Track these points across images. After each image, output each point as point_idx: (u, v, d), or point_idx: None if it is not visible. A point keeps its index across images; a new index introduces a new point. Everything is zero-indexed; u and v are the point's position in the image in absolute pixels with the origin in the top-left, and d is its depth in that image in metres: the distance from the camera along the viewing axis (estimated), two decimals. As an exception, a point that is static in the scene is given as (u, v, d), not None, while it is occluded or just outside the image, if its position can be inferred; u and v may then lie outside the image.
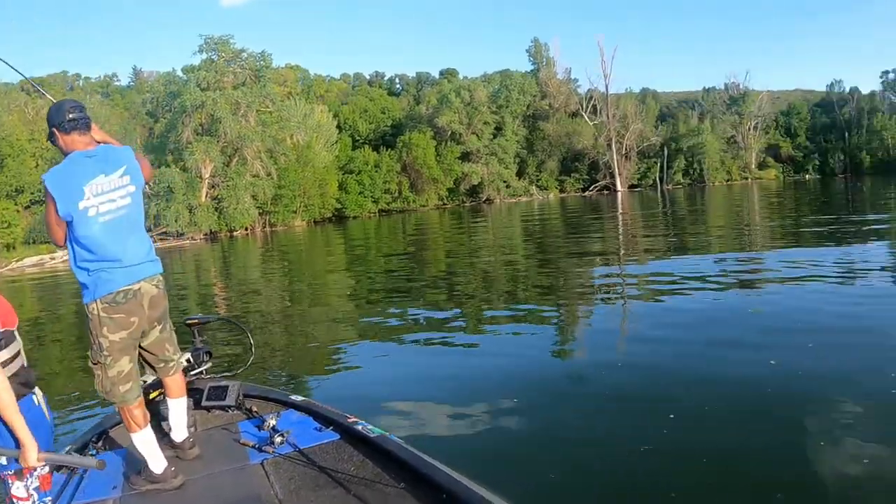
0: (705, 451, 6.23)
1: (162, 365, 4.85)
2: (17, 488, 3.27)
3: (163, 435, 5.13)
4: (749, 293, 13.95)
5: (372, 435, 4.62)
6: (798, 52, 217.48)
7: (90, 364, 4.56)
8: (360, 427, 4.79)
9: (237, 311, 17.08)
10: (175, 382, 4.95)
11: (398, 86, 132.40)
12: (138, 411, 4.57)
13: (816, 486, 5.47)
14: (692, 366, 8.96)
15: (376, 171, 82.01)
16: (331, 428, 4.96)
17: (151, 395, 5.55)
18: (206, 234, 65.84)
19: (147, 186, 4.94)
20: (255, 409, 5.59)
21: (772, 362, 8.50)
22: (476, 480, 3.81)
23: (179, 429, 4.97)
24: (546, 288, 16.78)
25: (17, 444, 3.11)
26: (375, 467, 4.37)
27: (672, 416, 7.03)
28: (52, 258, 51.96)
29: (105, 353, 4.43)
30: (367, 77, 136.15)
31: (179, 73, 74.96)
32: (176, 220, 61.29)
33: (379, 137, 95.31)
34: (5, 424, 3.09)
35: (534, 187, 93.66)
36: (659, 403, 7.49)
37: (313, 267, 29.32)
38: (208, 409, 5.66)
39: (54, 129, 4.41)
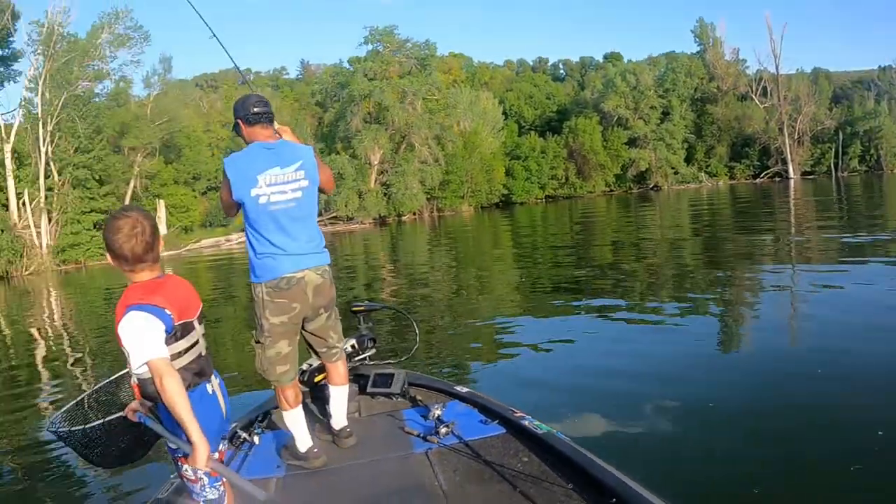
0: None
1: (325, 350, 5.04)
2: (186, 470, 3.36)
3: (324, 418, 5.33)
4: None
5: (539, 431, 4.51)
6: None
7: (253, 343, 4.83)
8: (526, 422, 4.67)
9: (403, 296, 17.42)
10: (337, 370, 5.10)
11: (562, 71, 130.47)
12: (291, 392, 4.79)
13: None
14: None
15: (543, 158, 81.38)
16: (496, 421, 4.87)
17: (317, 379, 5.78)
18: (375, 219, 67.45)
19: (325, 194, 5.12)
20: (419, 398, 5.61)
21: None
22: (648, 487, 3.63)
23: (338, 417, 5.10)
24: (715, 280, 15.66)
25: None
26: (542, 465, 4.26)
27: (881, 432, 6.08)
28: (228, 240, 55.01)
29: (266, 334, 4.69)
30: (531, 63, 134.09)
31: (346, 64, 77.03)
32: (346, 206, 62.93)
33: (545, 123, 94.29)
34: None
35: (702, 174, 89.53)
36: (861, 415, 6.54)
37: (480, 253, 29.41)
38: (373, 395, 5.77)
39: (239, 121, 4.71)
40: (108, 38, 57.69)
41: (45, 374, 13.44)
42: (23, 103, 55.41)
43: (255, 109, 4.65)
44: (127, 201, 60.04)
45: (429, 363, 9.90)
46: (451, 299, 16.51)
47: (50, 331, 20.58)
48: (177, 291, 3.33)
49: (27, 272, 50.75)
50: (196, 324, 3.38)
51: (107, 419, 3.48)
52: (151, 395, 3.22)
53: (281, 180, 4.57)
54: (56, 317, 25.14)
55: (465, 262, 25.57)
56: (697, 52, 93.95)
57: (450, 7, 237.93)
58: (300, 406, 4.86)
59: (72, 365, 14.30)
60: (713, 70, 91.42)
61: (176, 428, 3.18)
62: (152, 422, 3.31)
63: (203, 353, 3.41)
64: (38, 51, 54.43)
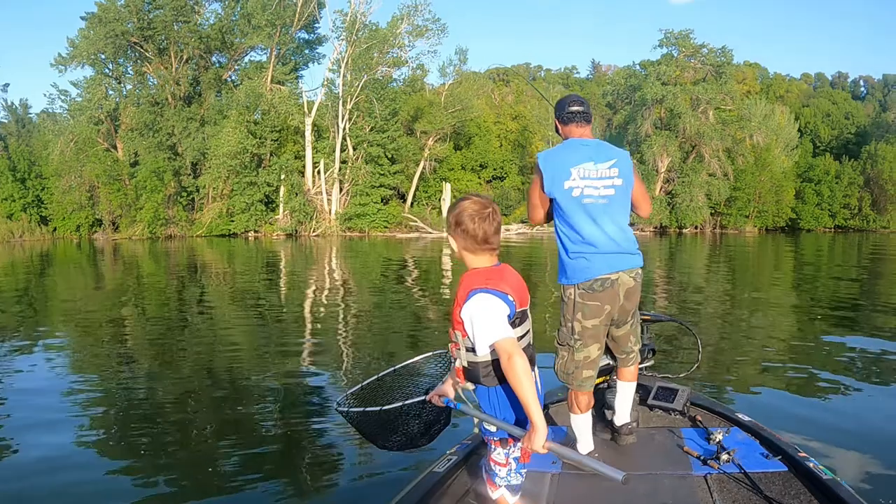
0: None
1: (623, 356, 4.99)
2: (498, 454, 3.41)
3: (602, 421, 5.37)
4: None
5: (824, 476, 4.23)
6: None
7: (556, 344, 4.79)
8: (810, 464, 4.42)
9: (675, 310, 16.97)
10: (630, 371, 5.06)
11: (863, 88, 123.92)
12: (585, 398, 4.77)
13: None
14: None
15: (836, 183, 76.22)
16: (779, 458, 4.65)
17: (596, 382, 5.74)
18: (655, 228, 67.48)
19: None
20: (699, 418, 5.45)
21: None
22: None
23: (623, 412, 5.07)
24: None
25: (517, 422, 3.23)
26: None
27: None
28: (507, 229, 57.80)
29: (576, 336, 4.65)
30: (830, 78, 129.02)
31: (638, 66, 76.51)
32: (629, 211, 62.92)
33: (841, 145, 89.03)
34: (509, 402, 3.24)
35: None
36: None
37: (759, 279, 27.86)
38: (652, 407, 5.67)
39: (556, 120, 4.83)
40: (407, 29, 62.08)
41: (314, 342, 13.76)
42: (325, 83, 61.55)
43: (572, 108, 4.74)
44: (415, 182, 65.04)
45: (702, 381, 9.52)
46: (723, 321, 15.82)
47: (326, 294, 21.86)
48: (515, 280, 3.39)
49: (314, 233, 57.21)
50: (528, 313, 3.43)
51: (406, 402, 3.58)
52: (476, 378, 3.29)
53: (594, 175, 4.57)
54: (335, 279, 26.95)
55: (742, 286, 24.38)
56: None
57: (744, 12, 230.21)
58: (590, 411, 4.88)
59: (342, 331, 14.85)
60: None
61: (498, 412, 3.28)
62: (465, 406, 3.41)
63: (531, 343, 3.45)
64: (342, 37, 60.42)
